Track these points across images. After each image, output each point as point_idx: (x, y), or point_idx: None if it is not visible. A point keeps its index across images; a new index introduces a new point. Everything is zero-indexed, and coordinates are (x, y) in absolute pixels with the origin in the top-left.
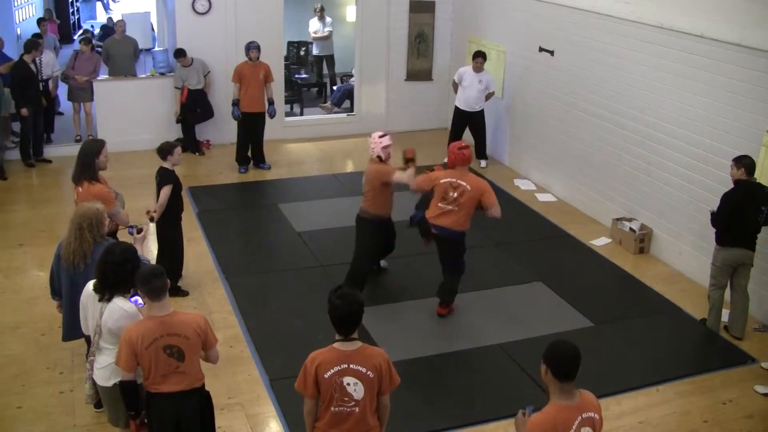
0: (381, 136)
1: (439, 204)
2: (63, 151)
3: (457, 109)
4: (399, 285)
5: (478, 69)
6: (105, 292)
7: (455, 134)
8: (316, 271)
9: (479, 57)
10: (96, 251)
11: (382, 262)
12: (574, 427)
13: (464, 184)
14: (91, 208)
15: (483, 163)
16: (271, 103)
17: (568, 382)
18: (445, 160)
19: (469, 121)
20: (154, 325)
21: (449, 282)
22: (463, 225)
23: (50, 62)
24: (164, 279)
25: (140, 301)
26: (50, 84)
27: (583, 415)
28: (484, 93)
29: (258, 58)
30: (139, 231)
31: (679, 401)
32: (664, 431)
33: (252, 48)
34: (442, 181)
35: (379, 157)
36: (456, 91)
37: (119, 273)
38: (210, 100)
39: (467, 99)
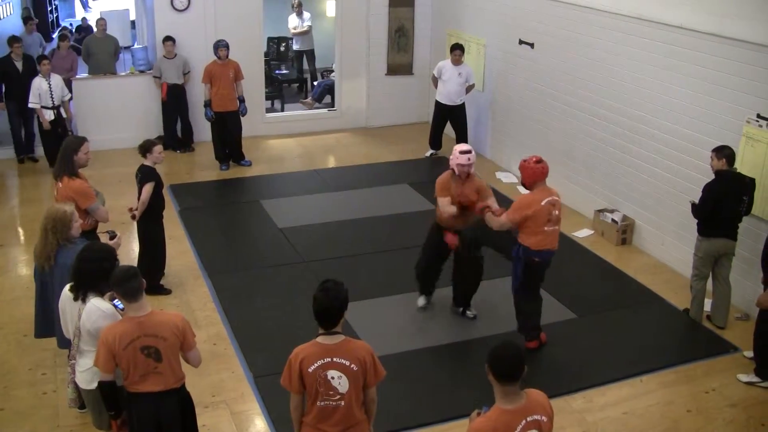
0: (462, 152)
1: (545, 228)
2: (41, 150)
3: (437, 103)
4: (382, 280)
5: (456, 62)
6: (80, 292)
7: (436, 128)
8: (298, 267)
9: (457, 50)
10: (61, 253)
11: (468, 312)
12: (517, 431)
13: (556, 198)
14: (58, 210)
15: None
16: (242, 101)
17: (510, 384)
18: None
19: (450, 115)
20: (131, 326)
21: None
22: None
23: (59, 84)
24: (139, 280)
25: (122, 304)
26: (62, 110)
27: (528, 419)
28: (464, 86)
29: (227, 57)
30: (112, 237)
31: (663, 391)
32: (647, 421)
33: (221, 46)
34: (542, 203)
35: (453, 170)
36: (436, 86)
37: (96, 271)
38: (188, 97)
39: (448, 93)
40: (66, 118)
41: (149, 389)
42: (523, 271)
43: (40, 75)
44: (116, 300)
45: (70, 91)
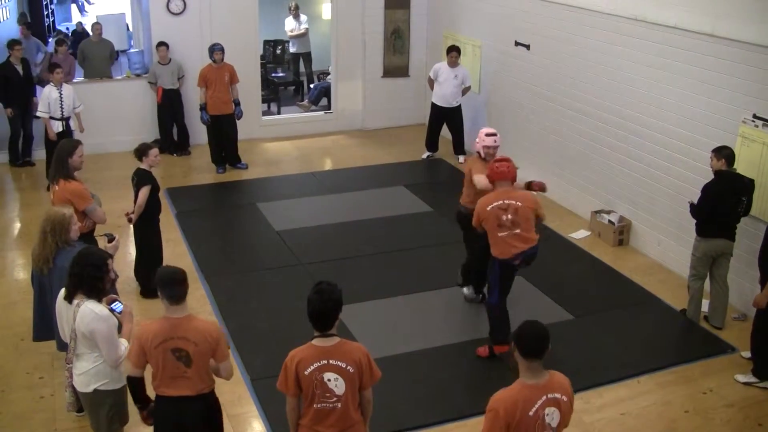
0: (488, 135)
1: (499, 234)
2: (41, 154)
3: (434, 105)
4: (379, 282)
5: (453, 64)
6: (73, 296)
7: (433, 130)
8: (295, 270)
9: (453, 51)
10: (59, 256)
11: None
12: (537, 405)
13: (512, 201)
14: (57, 213)
15: (461, 158)
16: (237, 104)
17: (534, 360)
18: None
19: (446, 117)
20: (167, 326)
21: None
22: (535, 237)
23: (71, 95)
24: (185, 285)
25: (120, 307)
26: (72, 122)
27: (549, 395)
28: (460, 88)
29: (222, 60)
30: (111, 240)
31: (660, 392)
32: (645, 422)
33: (216, 50)
34: (488, 209)
35: (478, 153)
36: (432, 88)
37: (90, 277)
38: (184, 100)
39: (444, 95)
40: (75, 130)
41: (176, 393)
42: (499, 276)
43: (51, 84)
44: (113, 304)
45: None
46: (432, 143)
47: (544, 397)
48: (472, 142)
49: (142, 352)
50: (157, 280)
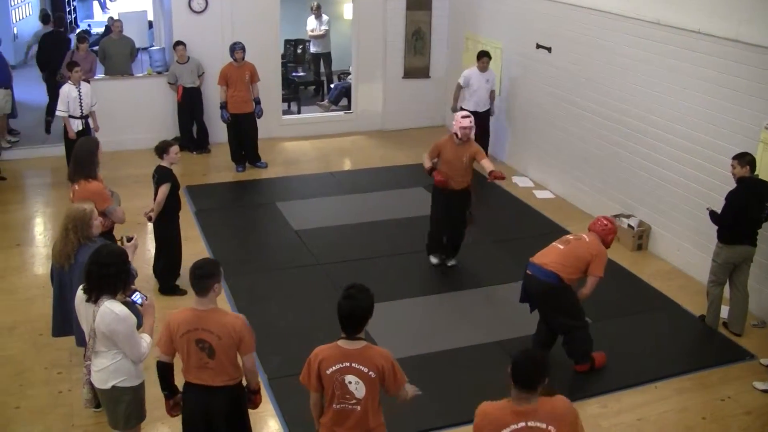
0: (464, 117)
1: (552, 243)
2: (61, 150)
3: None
4: (397, 283)
5: (483, 69)
6: (92, 294)
7: None
8: (313, 270)
9: (485, 57)
10: (81, 252)
11: (450, 262)
12: (508, 429)
13: (585, 236)
14: (78, 210)
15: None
16: (257, 102)
17: (524, 392)
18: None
19: (476, 122)
20: (192, 316)
21: (567, 344)
22: (565, 271)
23: (89, 93)
24: (213, 280)
25: (140, 299)
26: (90, 121)
27: (529, 423)
28: (489, 92)
29: (243, 59)
30: (129, 239)
31: (678, 398)
32: (662, 428)
33: (237, 49)
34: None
35: (455, 134)
36: (457, 96)
37: (107, 276)
38: (204, 98)
39: (478, 101)
40: (93, 128)
41: (202, 382)
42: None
43: (69, 82)
44: (134, 294)
45: None
46: None
47: (522, 424)
48: (496, 144)
49: (170, 339)
50: (190, 272)
